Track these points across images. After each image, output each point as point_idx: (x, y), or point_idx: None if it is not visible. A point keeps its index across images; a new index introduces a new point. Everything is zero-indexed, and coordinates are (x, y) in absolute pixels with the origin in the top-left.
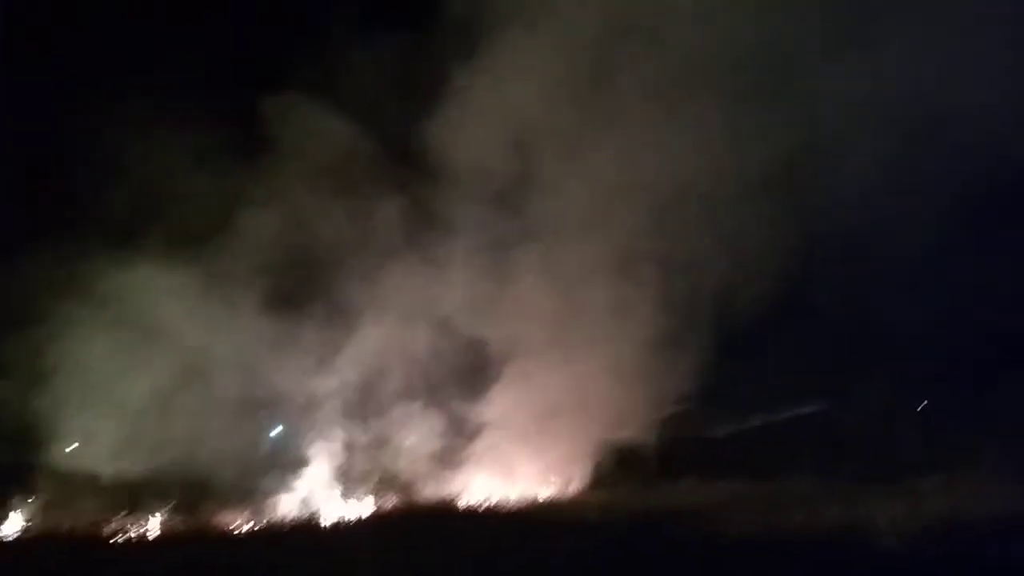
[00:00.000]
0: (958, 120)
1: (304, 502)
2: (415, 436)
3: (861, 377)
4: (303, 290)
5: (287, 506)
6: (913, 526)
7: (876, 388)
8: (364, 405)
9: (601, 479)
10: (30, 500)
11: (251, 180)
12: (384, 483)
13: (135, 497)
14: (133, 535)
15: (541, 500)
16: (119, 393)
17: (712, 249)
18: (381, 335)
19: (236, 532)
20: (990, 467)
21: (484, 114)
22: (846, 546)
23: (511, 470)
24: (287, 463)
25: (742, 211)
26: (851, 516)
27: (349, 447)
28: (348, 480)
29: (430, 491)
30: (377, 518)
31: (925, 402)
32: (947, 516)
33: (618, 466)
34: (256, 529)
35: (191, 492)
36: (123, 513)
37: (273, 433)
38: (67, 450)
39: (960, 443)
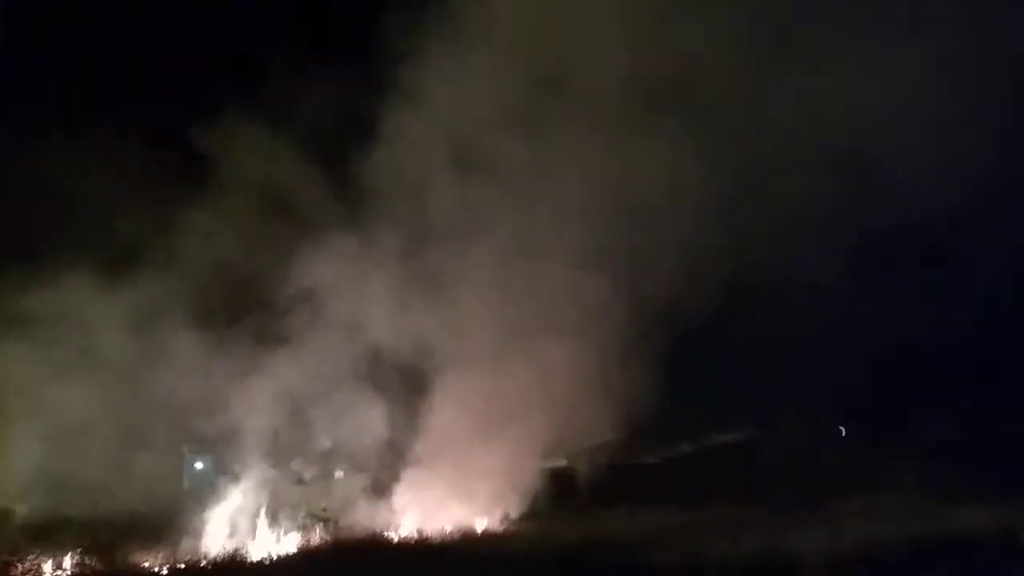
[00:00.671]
0: (883, 165)
1: (227, 539)
2: (344, 468)
3: (784, 405)
4: (228, 320)
5: (209, 544)
6: (834, 551)
7: (798, 415)
8: (291, 437)
9: (535, 508)
10: None
11: (180, 207)
12: (311, 517)
13: (48, 536)
14: None
15: (474, 532)
16: (31, 425)
17: (642, 281)
18: (310, 367)
19: (155, 573)
20: (907, 491)
21: (420, 130)
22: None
23: (444, 501)
24: (210, 498)
25: (671, 245)
26: (775, 543)
27: (275, 481)
28: (274, 515)
29: (360, 524)
30: (304, 554)
31: (843, 429)
32: (867, 541)
33: (552, 495)
34: (176, 569)
35: (107, 530)
36: (34, 554)
37: (196, 467)
38: None
39: (878, 468)
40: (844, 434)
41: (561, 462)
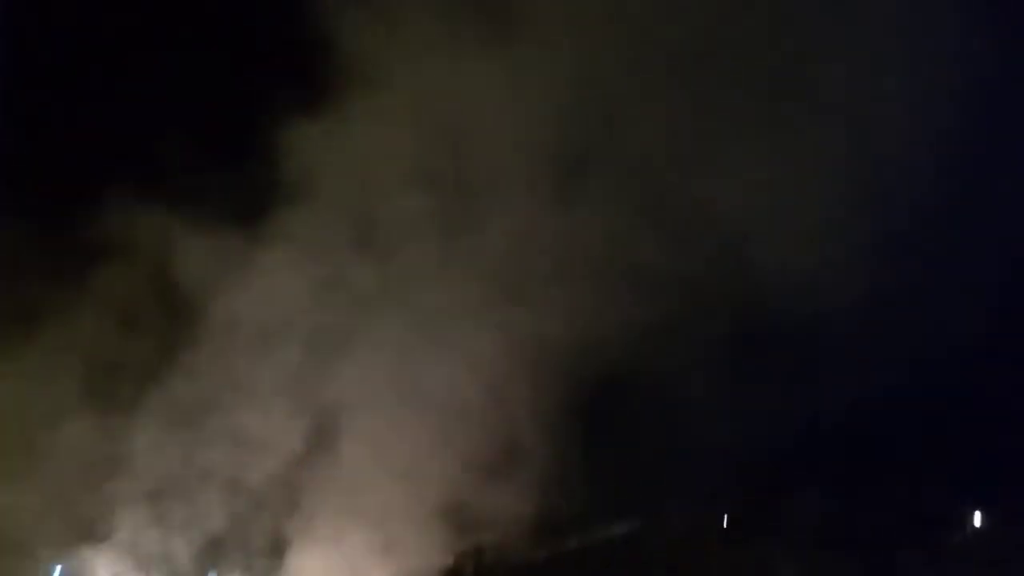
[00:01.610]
0: (767, 260)
1: None
2: (217, 569)
3: (669, 495)
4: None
5: None
6: None
7: (681, 505)
8: (159, 535)
9: None
10: None
11: (53, 289)
12: None
13: None
14: None
15: None
16: None
17: (524, 373)
18: (177, 452)
19: None
20: None
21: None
22: None
23: None
24: None
25: (560, 328)
26: None
27: None
28: None
29: None
30: None
31: (726, 517)
32: None
33: None
34: None
35: None
36: None
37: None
38: None
39: (759, 556)
40: (726, 522)
41: (448, 561)
